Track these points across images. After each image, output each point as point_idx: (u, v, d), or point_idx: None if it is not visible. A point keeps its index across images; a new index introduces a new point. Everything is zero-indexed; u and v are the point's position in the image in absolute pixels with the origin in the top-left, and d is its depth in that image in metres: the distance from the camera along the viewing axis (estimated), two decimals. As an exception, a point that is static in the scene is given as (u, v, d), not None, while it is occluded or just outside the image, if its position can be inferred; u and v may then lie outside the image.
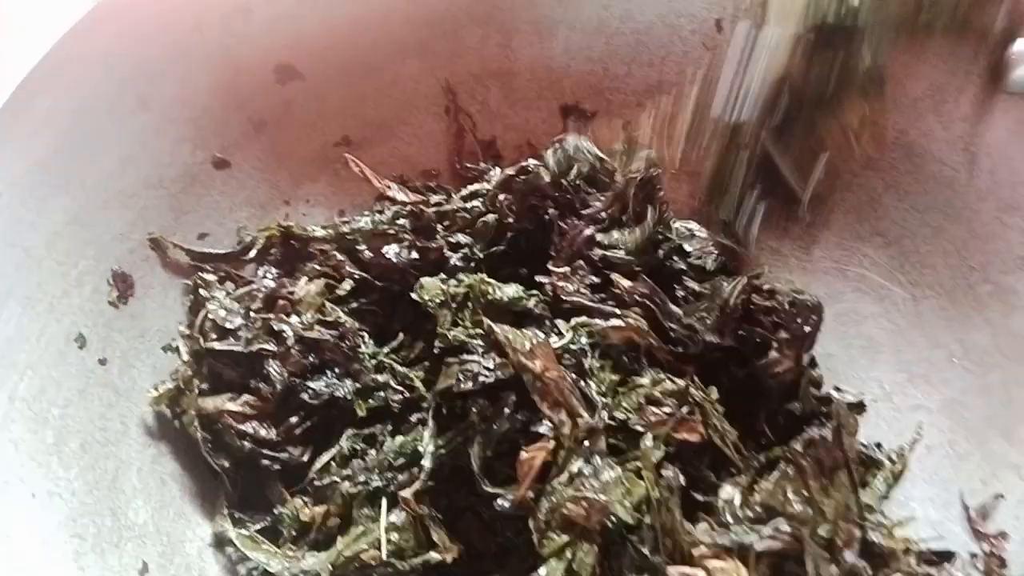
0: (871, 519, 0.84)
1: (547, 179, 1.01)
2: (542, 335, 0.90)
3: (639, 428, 0.87)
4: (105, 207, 0.94)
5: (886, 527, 0.84)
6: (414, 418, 0.93)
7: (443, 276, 0.97)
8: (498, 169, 1.07)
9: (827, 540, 0.77)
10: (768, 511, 0.78)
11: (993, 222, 0.98)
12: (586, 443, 0.86)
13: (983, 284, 0.98)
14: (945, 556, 0.87)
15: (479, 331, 0.91)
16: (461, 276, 0.97)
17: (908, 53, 1.00)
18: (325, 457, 0.91)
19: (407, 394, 0.94)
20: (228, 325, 0.93)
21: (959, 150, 1.00)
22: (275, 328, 0.92)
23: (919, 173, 1.03)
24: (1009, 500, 0.88)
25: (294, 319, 0.94)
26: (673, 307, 0.93)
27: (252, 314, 0.94)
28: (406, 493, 0.86)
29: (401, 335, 0.98)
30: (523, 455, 0.87)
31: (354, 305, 1.00)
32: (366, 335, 0.97)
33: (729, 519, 0.81)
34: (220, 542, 0.89)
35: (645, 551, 0.81)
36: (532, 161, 1.02)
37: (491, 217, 1.01)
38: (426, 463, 0.87)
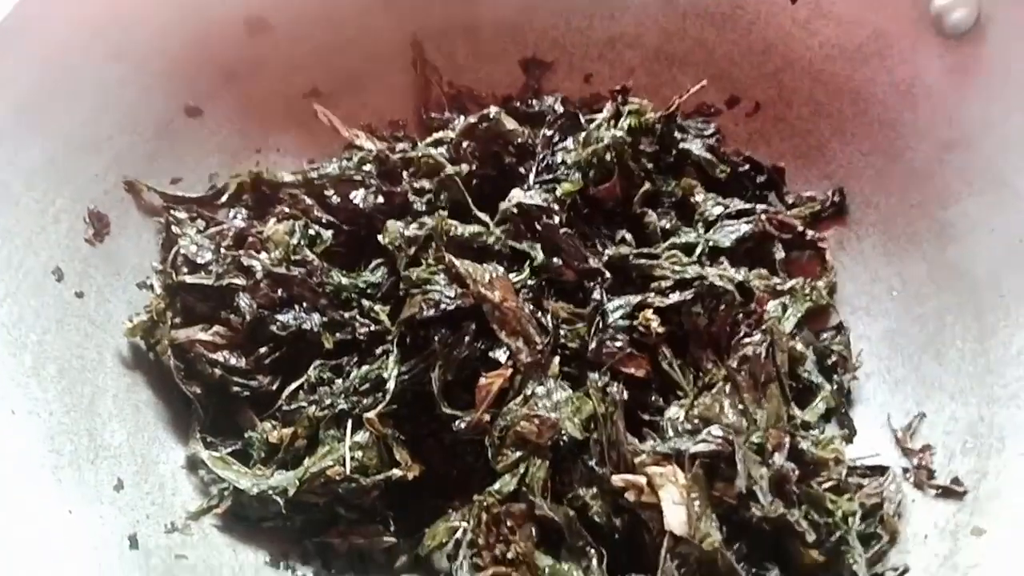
0: (807, 433, 0.89)
1: (509, 126, 1.06)
2: (501, 269, 0.95)
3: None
4: (81, 150, 0.98)
5: (819, 440, 0.89)
6: (380, 350, 0.97)
7: (408, 220, 1.02)
8: (463, 118, 1.11)
9: (758, 445, 0.82)
10: (705, 422, 0.83)
11: (932, 161, 1.02)
12: (540, 368, 0.92)
13: (922, 220, 1.03)
14: (878, 470, 0.92)
15: (441, 267, 0.95)
16: (424, 219, 1.02)
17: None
18: (294, 385, 0.96)
19: (373, 327, 0.98)
20: (199, 260, 0.97)
21: (901, 93, 1.05)
22: (244, 263, 0.97)
23: (864, 117, 1.08)
24: (940, 416, 0.93)
25: (263, 255, 0.98)
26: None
27: (223, 250, 0.99)
28: (370, 414, 0.91)
29: (368, 274, 1.03)
30: (482, 380, 0.92)
31: (322, 247, 1.04)
32: (334, 273, 1.01)
33: (671, 433, 0.86)
34: (193, 464, 0.94)
35: (592, 464, 0.86)
36: (494, 109, 1.06)
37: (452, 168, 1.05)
38: (390, 386, 0.92)
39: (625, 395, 0.87)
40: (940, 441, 0.92)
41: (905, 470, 0.93)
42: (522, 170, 1.06)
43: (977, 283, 0.96)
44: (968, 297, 0.97)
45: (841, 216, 1.10)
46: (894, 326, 1.02)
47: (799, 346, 0.96)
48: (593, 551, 0.83)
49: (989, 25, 0.95)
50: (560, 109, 1.11)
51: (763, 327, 0.89)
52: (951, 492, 0.88)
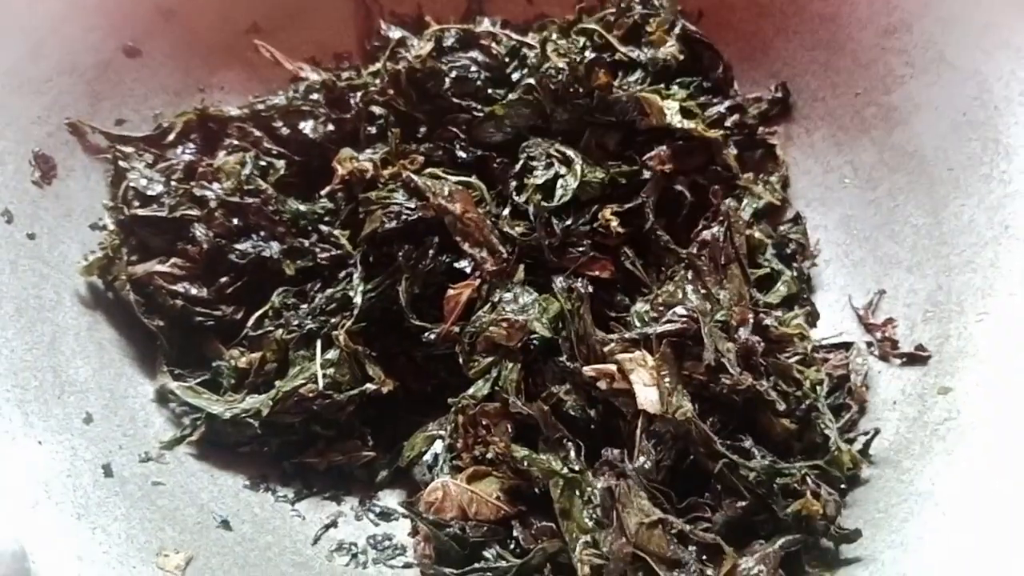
0: (771, 313, 0.91)
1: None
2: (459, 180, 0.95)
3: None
4: (20, 91, 0.96)
5: (783, 319, 0.90)
6: (343, 275, 0.97)
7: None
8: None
9: (723, 322, 0.83)
10: (670, 308, 0.84)
11: (874, 48, 1.04)
12: (507, 276, 0.92)
13: (868, 107, 1.04)
14: (843, 346, 0.94)
15: (399, 183, 0.95)
16: (378, 145, 1.02)
17: None
18: (259, 312, 0.95)
19: (334, 252, 0.98)
20: (150, 192, 0.96)
21: (839, -15, 1.06)
22: (197, 194, 0.96)
23: (804, 13, 1.09)
24: (900, 290, 0.96)
25: (216, 185, 0.97)
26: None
27: (173, 183, 0.97)
28: (339, 332, 0.91)
29: (325, 200, 1.02)
30: (449, 292, 0.92)
31: (276, 177, 1.03)
32: (290, 201, 1.00)
33: (638, 325, 0.87)
34: (162, 397, 0.93)
35: (563, 360, 0.87)
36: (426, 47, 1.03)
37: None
38: (357, 301, 0.92)
39: (591, 289, 0.87)
40: (901, 314, 0.94)
41: (869, 344, 0.95)
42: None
43: (926, 161, 0.98)
44: (918, 175, 0.99)
45: (788, 112, 1.11)
46: (849, 212, 1.04)
47: (757, 234, 0.97)
48: (570, 442, 0.84)
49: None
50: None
51: (721, 209, 0.90)
52: (916, 358, 0.90)
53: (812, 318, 0.98)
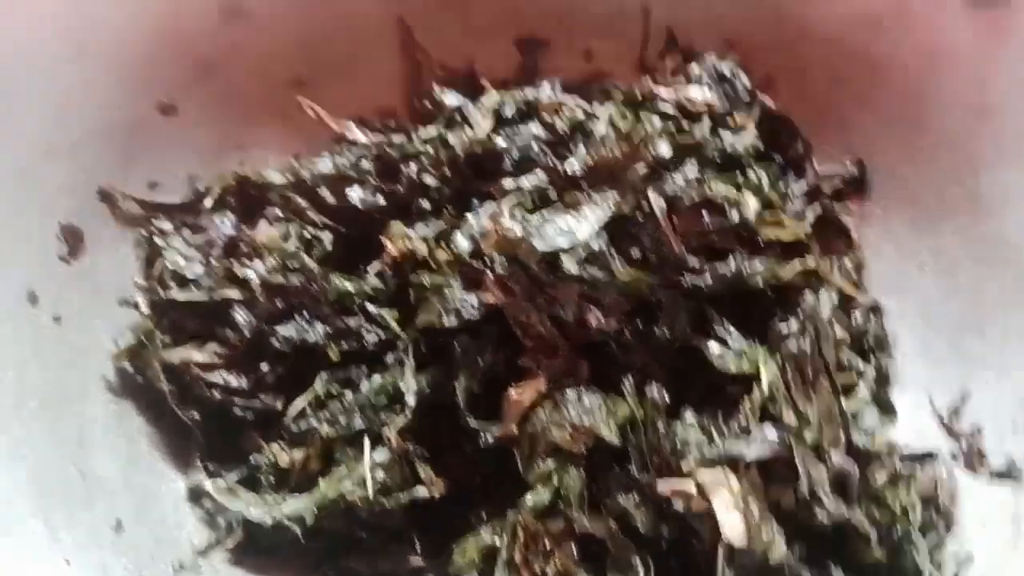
0: (854, 423, 0.84)
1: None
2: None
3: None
4: (47, 159, 0.90)
5: (869, 431, 0.84)
6: (390, 359, 0.91)
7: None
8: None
9: (814, 444, 0.76)
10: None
11: (961, 129, 0.98)
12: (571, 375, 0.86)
13: (951, 190, 0.98)
14: (927, 456, 0.88)
15: (455, 269, 0.88)
16: (431, 220, 0.95)
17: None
18: (301, 403, 0.88)
19: (382, 334, 0.91)
20: (188, 274, 0.89)
21: (925, 58, 0.99)
22: (238, 274, 0.89)
23: (884, 86, 1.03)
24: (986, 395, 0.89)
25: (257, 264, 0.90)
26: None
27: (213, 261, 0.90)
28: (390, 431, 0.84)
29: (373, 277, 0.95)
30: (512, 394, 0.85)
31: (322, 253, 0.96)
32: (334, 278, 0.93)
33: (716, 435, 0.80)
34: (196, 495, 0.86)
35: (632, 470, 0.80)
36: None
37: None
38: (409, 400, 0.85)
39: (666, 398, 0.81)
40: (988, 421, 0.88)
41: (953, 455, 0.88)
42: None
43: (1013, 254, 0.92)
44: (1006, 268, 0.93)
45: (863, 191, 1.05)
46: (928, 302, 0.98)
47: (838, 331, 0.91)
48: (639, 562, 0.78)
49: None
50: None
51: (801, 315, 0.84)
52: (1007, 475, 0.84)
53: (891, 421, 0.92)
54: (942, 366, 0.94)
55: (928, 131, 0.99)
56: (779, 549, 0.71)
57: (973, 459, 0.87)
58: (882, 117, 1.03)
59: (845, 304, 0.98)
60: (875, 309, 0.98)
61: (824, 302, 0.93)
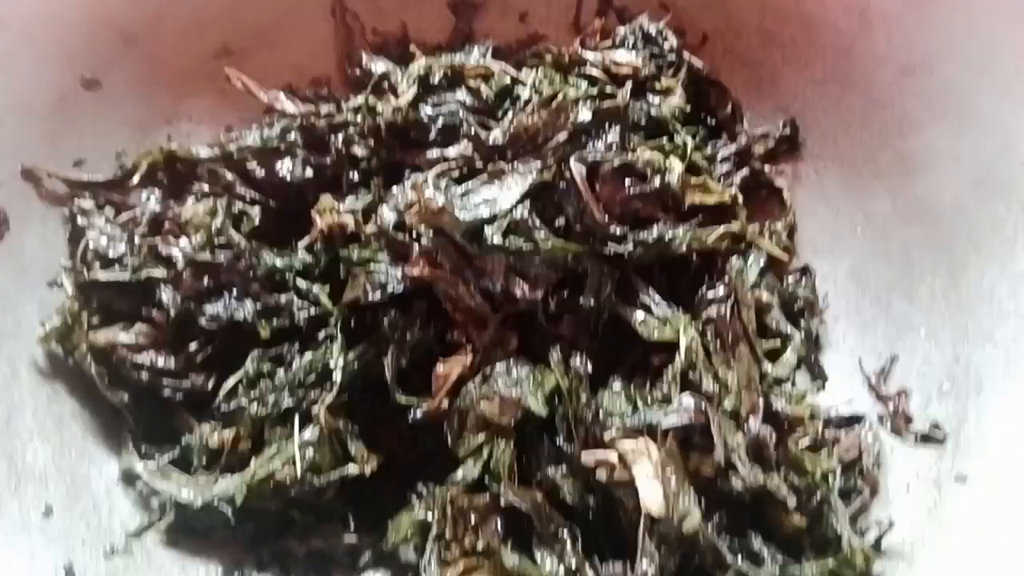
0: (778, 389, 0.85)
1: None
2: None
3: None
4: (-34, 138, 0.88)
5: (792, 395, 0.85)
6: (322, 335, 0.90)
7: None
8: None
9: (733, 411, 0.77)
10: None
11: (891, 88, 0.97)
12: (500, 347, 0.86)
13: (882, 151, 0.98)
14: (853, 420, 0.89)
15: (383, 242, 0.88)
16: (361, 192, 0.94)
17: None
18: (231, 381, 0.88)
19: (313, 310, 0.91)
20: (111, 253, 0.88)
21: (856, 17, 0.98)
22: (163, 252, 0.88)
23: (816, 45, 1.02)
24: (914, 358, 0.90)
25: (183, 242, 0.89)
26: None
27: (137, 240, 0.89)
28: (319, 409, 0.84)
29: (303, 252, 0.94)
30: (439, 368, 0.85)
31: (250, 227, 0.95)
32: (264, 254, 0.92)
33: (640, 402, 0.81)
34: (128, 478, 0.86)
35: (560, 442, 0.81)
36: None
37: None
38: (337, 377, 0.85)
39: (590, 367, 0.81)
40: (915, 384, 0.89)
41: (880, 417, 0.90)
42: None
43: (944, 216, 0.93)
44: (936, 231, 0.93)
45: (796, 151, 1.04)
46: (860, 265, 0.98)
47: (764, 295, 0.91)
48: (567, 533, 0.79)
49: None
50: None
51: (726, 281, 0.84)
52: (931, 438, 0.85)
53: (820, 384, 0.93)
54: (872, 329, 0.95)
55: (859, 90, 0.99)
56: (694, 519, 0.72)
57: (899, 422, 0.88)
58: (814, 76, 1.02)
59: (776, 268, 0.99)
60: (806, 271, 0.99)
61: (752, 267, 0.93)
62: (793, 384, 0.90)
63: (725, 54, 1.06)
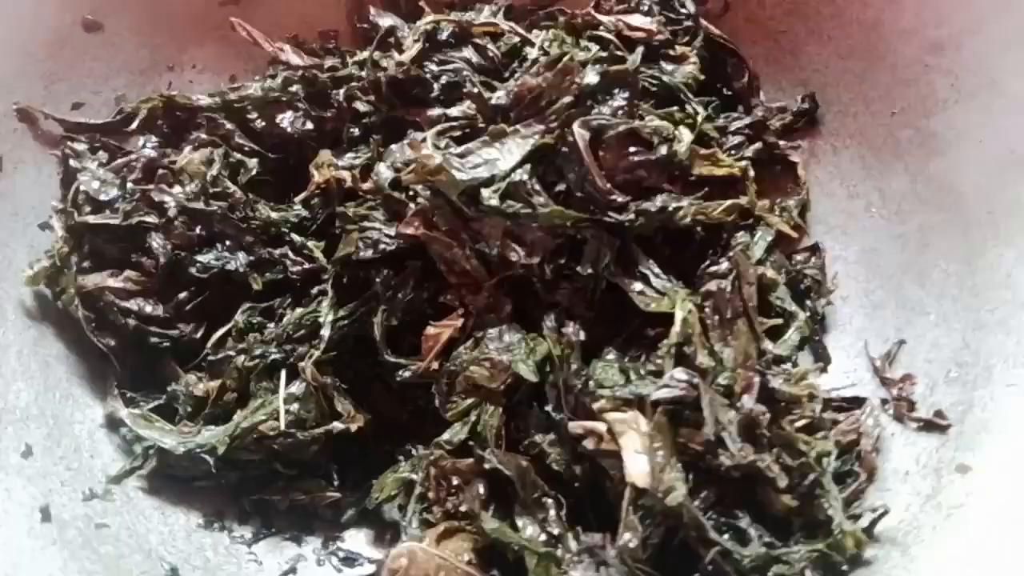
0: (778, 368, 0.83)
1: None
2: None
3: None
4: (-38, 75, 0.86)
5: (792, 375, 0.82)
6: (315, 291, 0.89)
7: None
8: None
9: (726, 387, 0.75)
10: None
11: (917, 64, 0.93)
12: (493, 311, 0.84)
13: (903, 130, 0.94)
14: (853, 403, 0.86)
15: (379, 199, 0.86)
16: (360, 148, 0.92)
17: None
18: (220, 332, 0.87)
19: (307, 265, 0.89)
20: (103, 197, 0.87)
21: (883, -10, 0.94)
22: (155, 199, 0.87)
23: (842, 16, 0.98)
24: (922, 344, 0.87)
25: (176, 189, 0.88)
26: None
27: (130, 185, 0.88)
28: (306, 364, 0.83)
29: (299, 206, 0.93)
30: (430, 330, 0.84)
31: (247, 178, 0.93)
32: (260, 206, 0.91)
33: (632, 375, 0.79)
34: (112, 423, 0.86)
35: (549, 409, 0.79)
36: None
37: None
38: (325, 332, 0.84)
39: (582, 336, 0.79)
40: (922, 370, 0.86)
41: (884, 401, 0.87)
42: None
43: (963, 199, 0.89)
44: (953, 214, 0.89)
45: (814, 126, 1.01)
46: (873, 246, 0.94)
47: (770, 272, 0.88)
48: (551, 501, 0.77)
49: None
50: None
51: (729, 255, 0.81)
52: (934, 426, 0.82)
53: (823, 365, 0.90)
54: (880, 312, 0.92)
55: (883, 66, 0.95)
56: (679, 493, 0.70)
57: (902, 408, 0.85)
58: (838, 50, 0.98)
59: (785, 246, 0.95)
60: (815, 249, 0.95)
61: (759, 243, 0.90)
62: (794, 364, 0.87)
63: (747, 23, 1.03)
